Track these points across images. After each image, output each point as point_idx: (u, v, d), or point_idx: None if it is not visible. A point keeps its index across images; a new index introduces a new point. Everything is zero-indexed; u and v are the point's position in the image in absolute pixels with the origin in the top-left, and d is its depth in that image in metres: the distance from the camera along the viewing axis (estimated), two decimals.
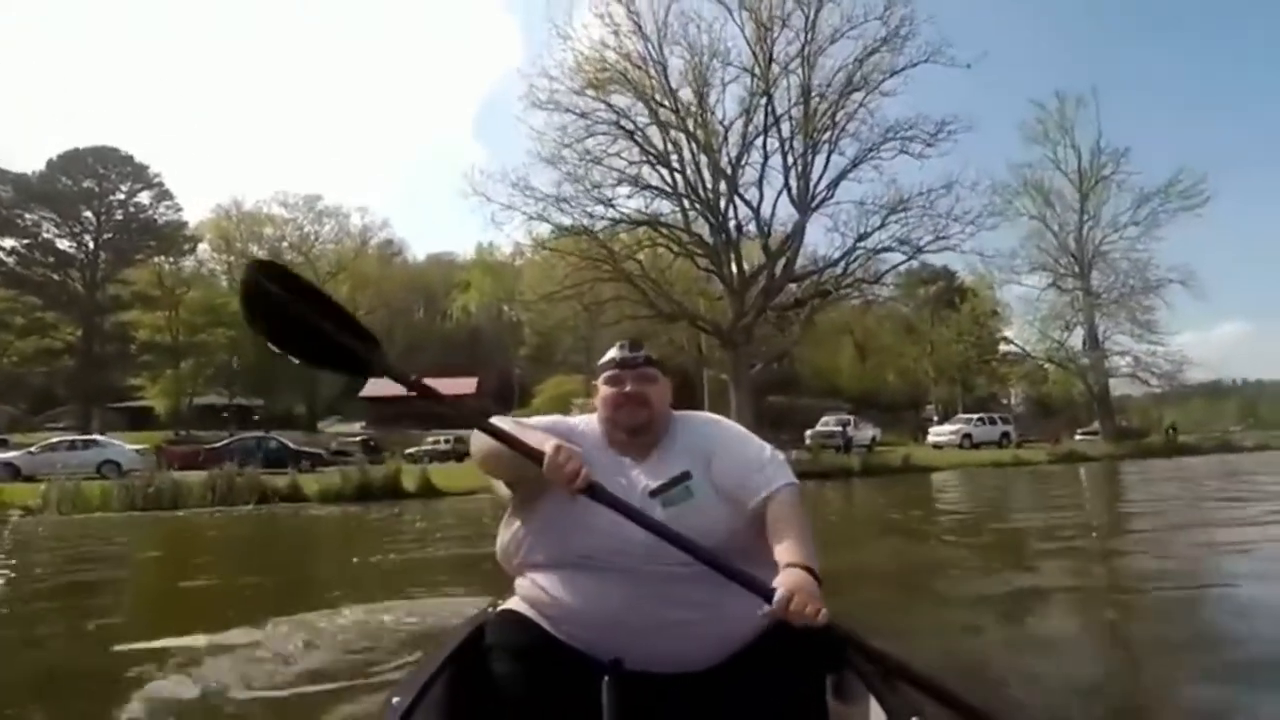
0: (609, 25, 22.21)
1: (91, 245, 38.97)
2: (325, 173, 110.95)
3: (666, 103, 21.91)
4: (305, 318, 1.40)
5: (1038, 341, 33.54)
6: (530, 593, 1.47)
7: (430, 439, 32.90)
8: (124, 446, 21.50)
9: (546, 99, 22.57)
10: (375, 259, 53.29)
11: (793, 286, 23.18)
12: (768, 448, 1.56)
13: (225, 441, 23.02)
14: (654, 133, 22.37)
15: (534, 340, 55.07)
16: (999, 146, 61.32)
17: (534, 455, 1.30)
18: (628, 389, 1.53)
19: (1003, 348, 38.95)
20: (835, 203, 22.93)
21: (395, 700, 1.19)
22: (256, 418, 46.69)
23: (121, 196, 39.02)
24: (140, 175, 39.43)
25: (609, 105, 22.06)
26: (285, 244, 45.05)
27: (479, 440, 1.45)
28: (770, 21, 20.99)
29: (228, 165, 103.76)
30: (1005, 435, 29.27)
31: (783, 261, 22.23)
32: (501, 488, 1.60)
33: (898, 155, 21.71)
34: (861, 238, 21.89)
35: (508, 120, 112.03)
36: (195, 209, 45.88)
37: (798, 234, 22.29)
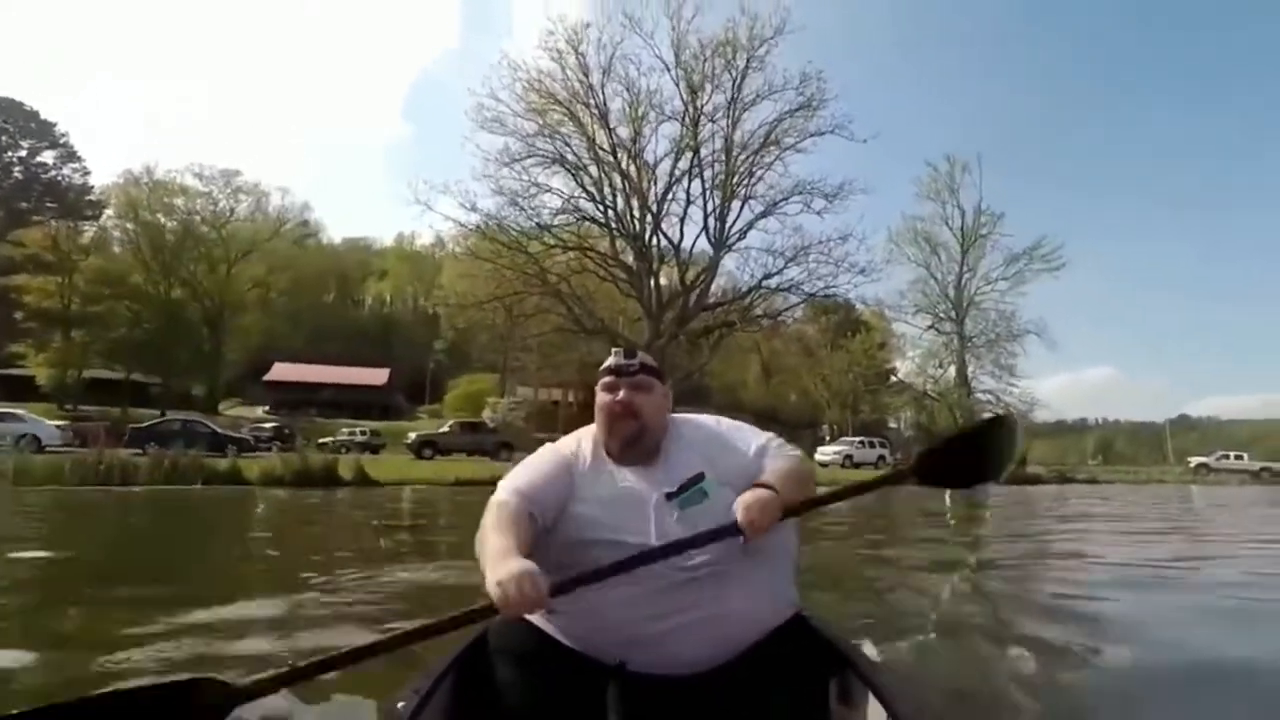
0: (556, 60, 24.90)
1: None
2: (244, 147, 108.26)
3: (604, 143, 24.82)
4: None
5: (916, 375, 38.66)
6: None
7: (345, 430, 33.89)
8: (43, 421, 22.04)
9: (492, 117, 25.02)
10: (290, 239, 53.17)
11: (705, 314, 26.56)
12: (766, 435, 1.66)
13: (151, 423, 23.86)
14: (591, 166, 25.21)
15: (450, 335, 56.08)
16: (895, 200, 69.50)
17: (488, 611, 1.28)
18: (620, 396, 1.59)
19: (892, 379, 44.29)
20: (746, 247, 26.57)
21: (399, 705, 1.22)
22: (153, 395, 46.06)
23: (23, 153, 37.97)
24: (45, 133, 38.47)
25: (550, 136, 24.77)
26: (198, 218, 44.65)
27: (477, 550, 1.44)
28: (702, 83, 24.45)
29: (141, 131, 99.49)
30: (881, 457, 33.65)
31: (696, 293, 25.62)
32: None
33: (801, 211, 25.50)
34: (766, 277, 25.55)
35: (438, 101, 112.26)
36: (102, 173, 44.62)
37: (711, 270, 25.82)
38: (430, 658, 1.50)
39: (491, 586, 1.26)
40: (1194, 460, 41.26)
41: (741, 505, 1.38)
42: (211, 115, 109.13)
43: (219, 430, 23.96)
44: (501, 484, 1.58)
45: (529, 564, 1.28)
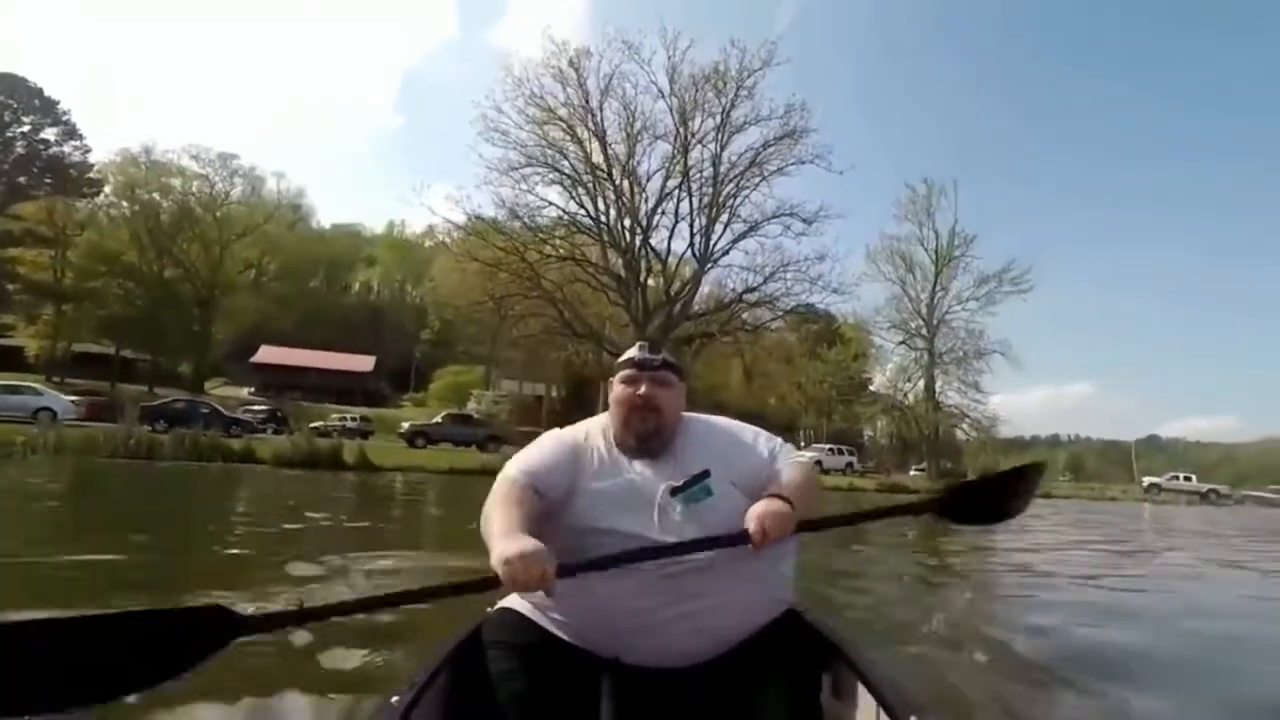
0: (557, 79, 27.07)
1: None
2: (238, 129, 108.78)
3: (599, 158, 27.15)
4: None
5: (889, 387, 41.39)
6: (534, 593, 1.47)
7: (336, 415, 35.57)
8: (58, 395, 23.71)
9: (494, 127, 27.17)
10: (283, 224, 54.69)
11: (688, 323, 28.96)
12: (776, 440, 1.71)
13: (160, 402, 25.60)
14: (586, 179, 27.46)
15: (437, 325, 57.48)
16: (876, 218, 73.30)
17: (491, 583, 1.33)
18: (642, 391, 1.60)
19: (868, 389, 47.04)
20: (728, 264, 29.08)
21: (394, 700, 1.24)
22: (140, 371, 47.51)
23: (25, 129, 39.39)
24: (48, 110, 39.85)
25: (549, 149, 27.01)
26: (193, 199, 46.19)
27: (481, 525, 1.47)
28: (693, 111, 26.84)
29: (141, 109, 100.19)
30: (849, 465, 36.30)
31: (681, 303, 28.05)
32: None
33: (781, 233, 27.99)
34: (747, 291, 28.00)
35: (431, 92, 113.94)
36: (100, 150, 45.73)
37: (695, 282, 28.31)
38: (425, 649, 1.55)
39: (498, 563, 1.29)
40: (1147, 480, 44.25)
41: (754, 515, 1.41)
42: (207, 98, 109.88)
43: (223, 411, 25.75)
44: (510, 462, 1.61)
45: (538, 544, 1.31)
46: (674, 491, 1.51)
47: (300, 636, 2.97)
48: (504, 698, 1.37)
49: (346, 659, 2.90)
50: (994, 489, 1.76)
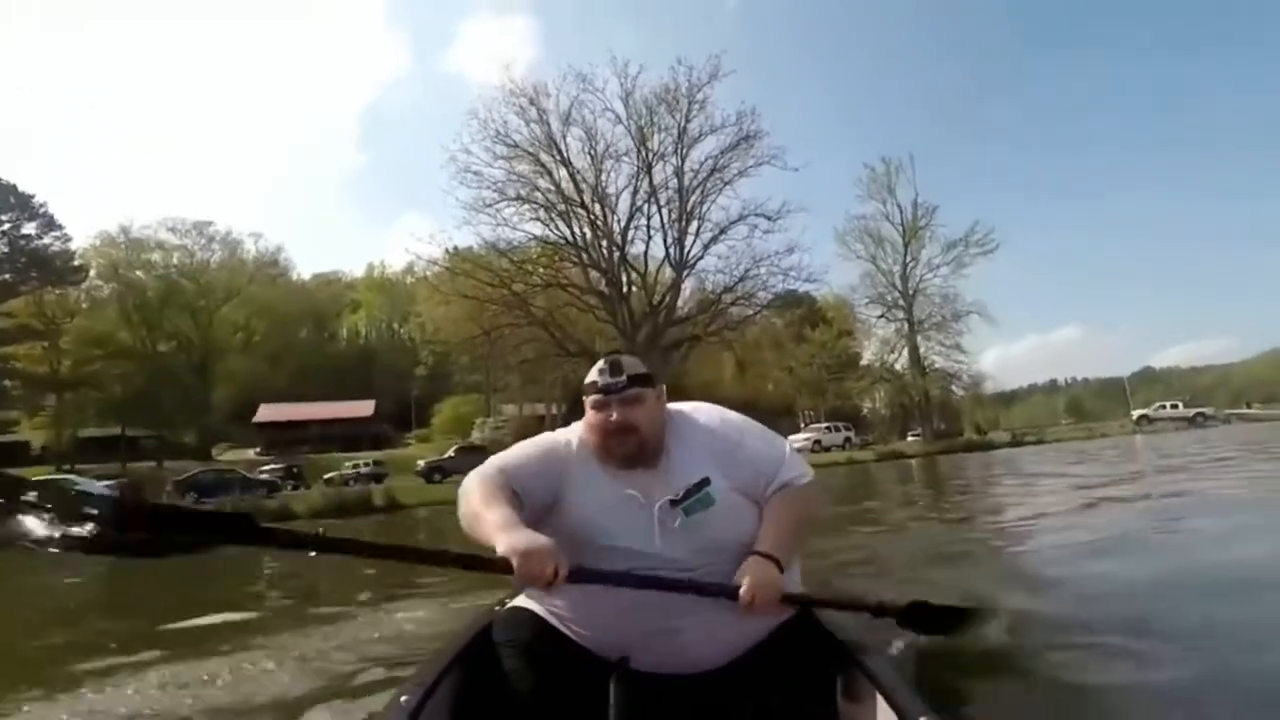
0: (520, 115, 29.04)
1: None
2: (209, 193, 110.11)
3: (568, 185, 29.21)
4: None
5: (876, 360, 43.59)
6: (539, 591, 1.51)
7: (349, 464, 37.11)
8: (94, 483, 25.44)
9: (463, 166, 29.11)
10: (265, 282, 56.42)
11: (674, 329, 31.02)
12: (781, 441, 1.66)
13: (188, 475, 27.38)
14: (560, 205, 29.50)
15: (430, 360, 59.06)
16: (843, 203, 75.94)
17: (502, 569, 1.34)
18: (614, 417, 1.54)
19: (862, 362, 49.21)
20: (703, 269, 31.20)
21: (404, 699, 1.26)
22: (146, 448, 48.94)
23: (5, 227, 40.94)
24: (25, 205, 41.32)
25: (520, 182, 29.02)
26: (175, 272, 47.80)
27: (463, 521, 1.51)
28: (651, 132, 28.96)
29: (113, 190, 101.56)
30: (847, 440, 38.32)
31: (664, 312, 30.12)
32: None
33: (749, 234, 30.13)
34: (725, 291, 30.09)
35: (389, 128, 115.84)
36: (79, 236, 47.21)
37: (675, 290, 30.45)
38: (432, 649, 1.62)
39: (508, 551, 1.32)
40: (1136, 413, 46.22)
41: (747, 581, 1.39)
42: (174, 166, 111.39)
43: (247, 475, 27.59)
44: (487, 461, 1.62)
45: (548, 540, 1.35)
46: (674, 503, 1.50)
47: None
48: (513, 697, 1.40)
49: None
50: (945, 617, 1.80)
